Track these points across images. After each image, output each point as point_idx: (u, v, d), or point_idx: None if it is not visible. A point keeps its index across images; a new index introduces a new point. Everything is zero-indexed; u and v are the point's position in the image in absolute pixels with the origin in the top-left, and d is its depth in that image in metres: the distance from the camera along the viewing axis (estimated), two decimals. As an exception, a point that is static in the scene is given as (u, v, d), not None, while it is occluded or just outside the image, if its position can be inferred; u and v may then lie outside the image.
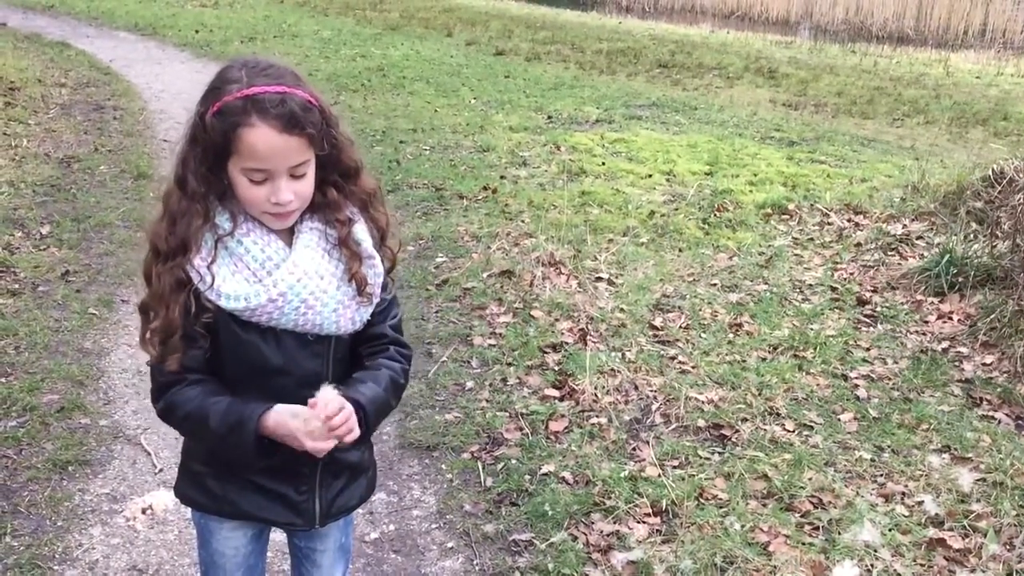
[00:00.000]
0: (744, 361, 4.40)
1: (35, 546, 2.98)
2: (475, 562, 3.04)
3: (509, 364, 4.30)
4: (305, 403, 1.71)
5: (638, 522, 3.19)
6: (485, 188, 6.83)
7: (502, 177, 7.20)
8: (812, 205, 6.70)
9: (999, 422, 3.93)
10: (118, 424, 3.73)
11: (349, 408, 1.71)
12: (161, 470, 3.43)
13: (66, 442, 3.54)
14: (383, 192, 1.91)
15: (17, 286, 4.87)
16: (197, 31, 14.20)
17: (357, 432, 1.72)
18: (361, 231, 1.82)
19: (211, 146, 1.67)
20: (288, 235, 1.78)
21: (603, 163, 7.63)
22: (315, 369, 1.81)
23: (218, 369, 1.78)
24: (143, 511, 3.18)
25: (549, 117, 9.52)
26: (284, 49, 12.93)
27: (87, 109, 9.11)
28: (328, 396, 1.71)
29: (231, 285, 1.72)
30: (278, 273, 1.73)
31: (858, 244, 5.95)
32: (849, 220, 6.40)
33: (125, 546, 3.04)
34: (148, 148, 7.78)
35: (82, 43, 12.81)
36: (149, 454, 3.54)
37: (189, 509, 1.99)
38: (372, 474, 2.04)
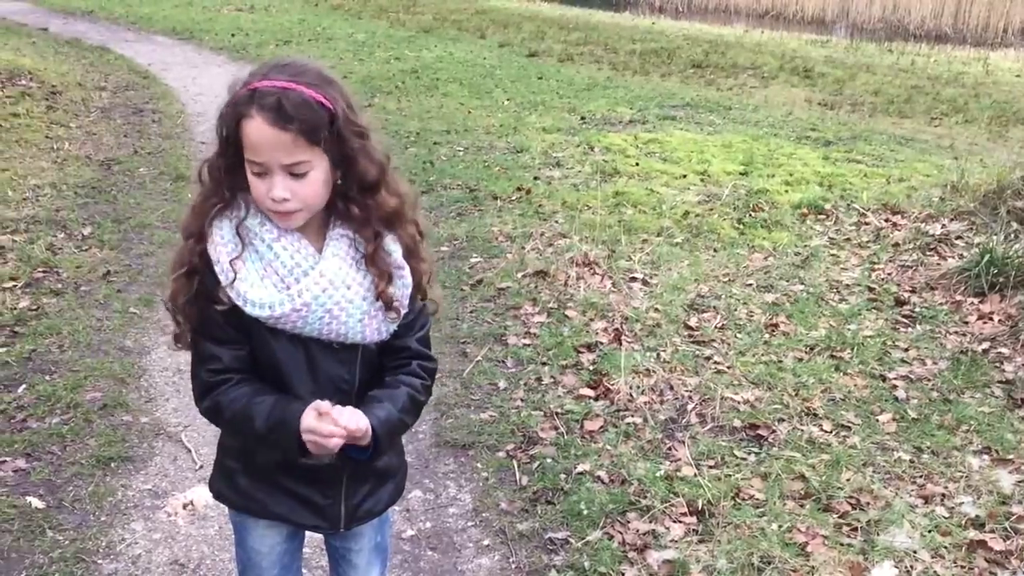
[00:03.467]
0: (780, 361, 4.38)
1: (79, 540, 3.04)
2: (511, 560, 3.05)
3: (544, 363, 4.31)
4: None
5: (674, 521, 3.19)
6: (519, 189, 6.84)
7: (536, 178, 7.21)
8: (849, 205, 6.64)
9: (1041, 424, 3.88)
10: (159, 421, 3.79)
11: (365, 424, 1.72)
12: (201, 466, 3.48)
13: (109, 439, 3.60)
14: (413, 206, 1.86)
15: (60, 286, 4.96)
16: (233, 35, 14.35)
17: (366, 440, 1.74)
18: (391, 241, 1.80)
19: (226, 137, 1.69)
20: (320, 240, 1.78)
21: (637, 163, 7.62)
22: (342, 375, 1.82)
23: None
24: (184, 506, 3.23)
25: (582, 118, 9.52)
26: (319, 52, 13.04)
27: (127, 112, 9.25)
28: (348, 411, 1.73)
29: (258, 291, 1.72)
30: (305, 282, 1.72)
31: (896, 244, 5.89)
32: (887, 220, 6.33)
33: (167, 541, 3.09)
34: (186, 150, 7.89)
35: (121, 47, 13.01)
36: (189, 451, 3.59)
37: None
38: (400, 479, 2.04)
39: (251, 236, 1.74)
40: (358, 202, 1.76)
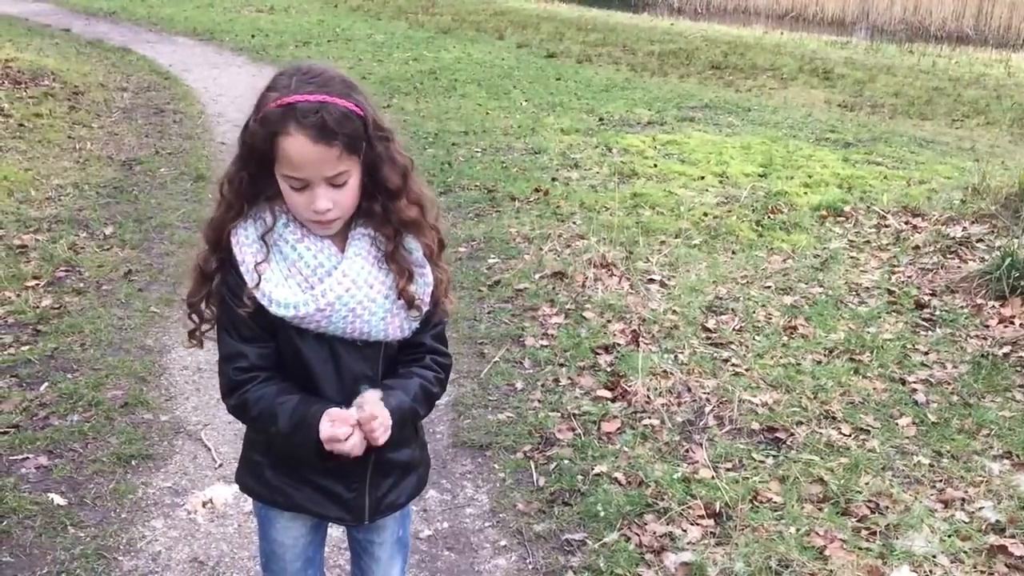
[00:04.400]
0: (799, 364, 4.36)
1: (100, 537, 3.07)
2: (528, 560, 3.05)
3: (561, 365, 4.31)
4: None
5: (691, 524, 3.18)
6: (537, 190, 6.85)
7: (553, 179, 7.21)
8: (869, 207, 6.61)
9: (1063, 428, 3.84)
10: (179, 419, 3.82)
11: (384, 415, 1.74)
12: (221, 465, 3.51)
13: (130, 436, 3.63)
14: (435, 212, 1.88)
15: (82, 285, 5.01)
16: (253, 36, 14.44)
17: (386, 435, 1.76)
18: (412, 239, 1.83)
19: (255, 151, 1.70)
20: (342, 240, 1.81)
21: (655, 165, 7.60)
22: (365, 372, 1.85)
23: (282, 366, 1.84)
24: (204, 504, 3.25)
25: (600, 119, 9.51)
26: (338, 53, 13.10)
27: (148, 113, 9.32)
28: (372, 398, 1.76)
29: (282, 292, 1.75)
30: (328, 281, 1.75)
31: (916, 247, 5.86)
32: (907, 222, 6.30)
33: (186, 538, 3.11)
34: (207, 151, 7.94)
35: (143, 48, 13.11)
36: (209, 449, 3.61)
37: (248, 503, 2.05)
38: (423, 472, 2.07)
39: (275, 238, 1.77)
40: (381, 200, 1.79)
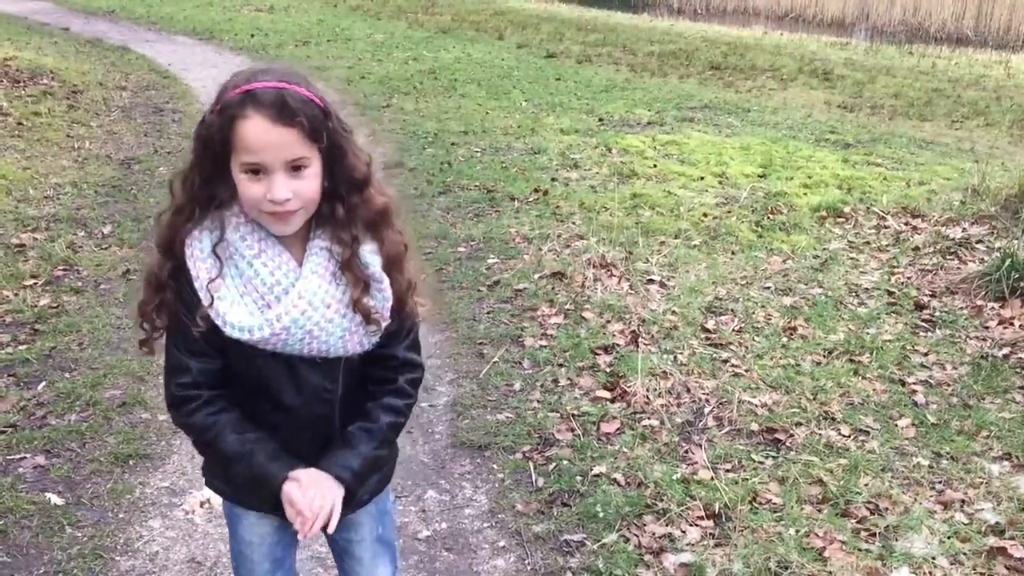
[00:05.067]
0: (798, 365, 4.36)
1: (98, 537, 3.06)
2: (526, 561, 3.05)
3: (560, 365, 4.31)
4: (314, 420, 1.82)
5: (690, 525, 3.18)
6: (536, 190, 6.84)
7: (553, 179, 7.20)
8: (868, 208, 6.60)
9: (1063, 430, 3.84)
10: (177, 419, 3.80)
11: (322, 510, 1.76)
12: (218, 465, 3.49)
13: (127, 436, 3.62)
14: (398, 212, 1.82)
15: (80, 284, 5.00)
16: (253, 35, 14.43)
17: (336, 520, 1.78)
18: (369, 252, 1.75)
19: (211, 145, 1.65)
20: (301, 249, 1.75)
21: (655, 165, 7.60)
22: (324, 385, 1.82)
23: (230, 381, 1.80)
24: (201, 504, 3.25)
25: (600, 119, 9.51)
26: (337, 52, 13.10)
27: (147, 112, 9.31)
28: (303, 497, 1.76)
29: (237, 313, 1.69)
30: (284, 303, 1.69)
31: (916, 248, 5.85)
32: (906, 223, 6.29)
33: (184, 539, 3.10)
34: (205, 150, 7.92)
35: (142, 47, 13.10)
36: (207, 449, 3.60)
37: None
38: (388, 470, 2.05)
39: (231, 252, 1.71)
40: (344, 201, 1.72)
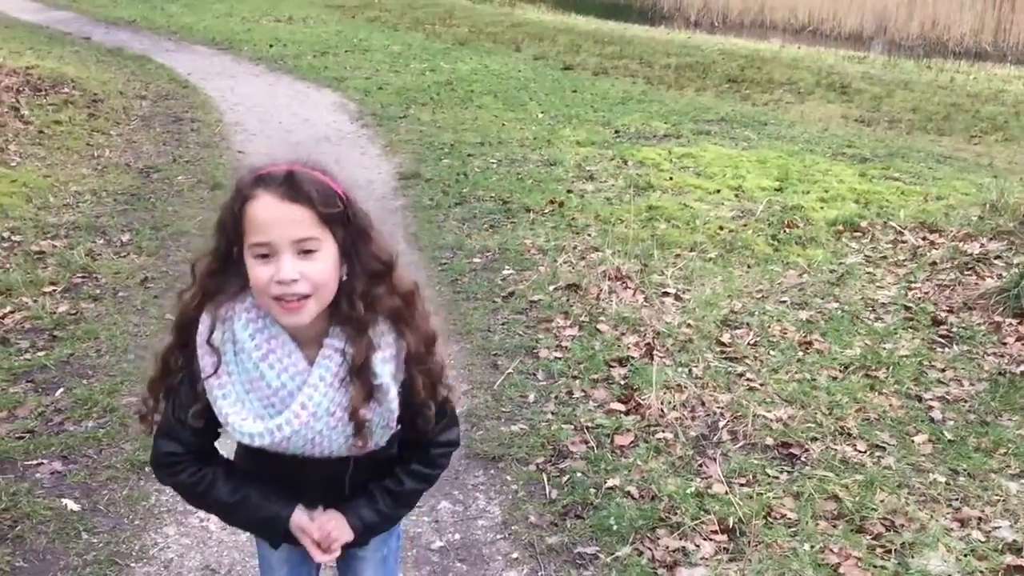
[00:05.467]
0: (814, 380, 4.34)
1: (113, 543, 3.08)
2: (540, 574, 3.04)
3: (575, 377, 4.30)
4: (325, 492, 1.84)
5: (704, 539, 3.16)
6: (552, 202, 6.85)
7: (569, 191, 7.21)
8: (885, 223, 6.58)
9: (1081, 448, 3.80)
10: (193, 427, 3.82)
11: (339, 538, 1.82)
12: (233, 473, 3.51)
13: (144, 443, 3.62)
14: (421, 309, 1.76)
15: (99, 291, 5.04)
16: (271, 46, 14.52)
17: (337, 553, 1.83)
18: (380, 362, 1.68)
19: (224, 227, 1.63)
20: (315, 348, 1.68)
21: (671, 178, 7.59)
22: (335, 474, 1.81)
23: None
24: (216, 512, 3.25)
25: (616, 132, 9.51)
26: (355, 63, 13.17)
27: (166, 121, 9.39)
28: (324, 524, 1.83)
29: (239, 415, 1.66)
30: (285, 414, 1.65)
31: (933, 263, 5.82)
32: (924, 238, 6.26)
33: (198, 546, 3.12)
34: (224, 159, 7.98)
35: (162, 57, 13.21)
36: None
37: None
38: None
39: (238, 347, 1.66)
40: (365, 295, 1.67)
